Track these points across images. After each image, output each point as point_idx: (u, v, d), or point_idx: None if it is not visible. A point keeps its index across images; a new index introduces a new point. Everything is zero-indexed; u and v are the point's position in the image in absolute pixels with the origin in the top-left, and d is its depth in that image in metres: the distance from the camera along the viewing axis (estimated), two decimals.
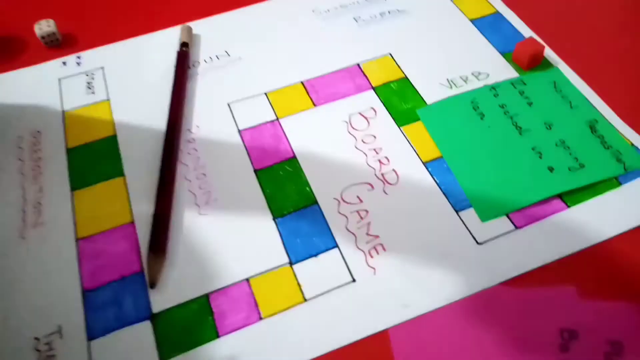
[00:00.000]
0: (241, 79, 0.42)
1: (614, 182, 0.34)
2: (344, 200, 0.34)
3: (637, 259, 0.31)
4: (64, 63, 0.44)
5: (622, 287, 0.30)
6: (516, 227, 0.32)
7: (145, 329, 0.30)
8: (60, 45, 0.45)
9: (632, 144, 0.36)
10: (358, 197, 0.35)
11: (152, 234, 0.32)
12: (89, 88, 0.42)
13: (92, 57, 0.44)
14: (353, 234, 0.33)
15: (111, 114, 0.40)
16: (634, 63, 0.41)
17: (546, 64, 0.41)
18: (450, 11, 0.46)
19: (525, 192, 0.34)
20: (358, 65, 0.42)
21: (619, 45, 0.42)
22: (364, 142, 0.37)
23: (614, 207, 0.33)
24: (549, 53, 0.41)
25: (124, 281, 0.31)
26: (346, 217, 0.34)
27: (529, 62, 0.40)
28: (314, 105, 0.40)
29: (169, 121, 0.38)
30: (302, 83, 0.41)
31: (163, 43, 0.45)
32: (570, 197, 0.34)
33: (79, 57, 0.44)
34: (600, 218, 0.33)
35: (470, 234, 0.32)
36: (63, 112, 0.40)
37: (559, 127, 0.37)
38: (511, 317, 0.29)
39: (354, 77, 0.41)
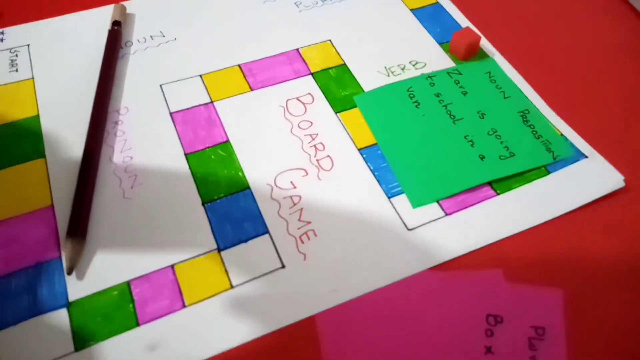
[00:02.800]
0: (175, 60, 0.40)
1: (543, 170, 0.35)
2: (277, 186, 0.34)
3: (562, 246, 0.32)
4: None
5: (546, 273, 0.31)
6: (446, 214, 0.33)
7: (60, 317, 0.28)
8: None
9: (562, 134, 0.37)
10: (292, 182, 0.34)
11: (71, 217, 0.31)
12: (12, 65, 0.40)
13: (17, 33, 0.42)
14: (285, 219, 0.32)
15: (35, 94, 0.38)
16: (566, 55, 0.42)
17: (482, 55, 0.41)
18: (391, 0, 0.46)
19: (456, 179, 0.34)
20: (297, 50, 0.41)
21: (553, 38, 0.43)
22: (300, 127, 0.37)
23: (542, 195, 0.34)
24: (485, 44, 0.42)
25: (39, 268, 0.30)
26: (279, 202, 0.33)
27: (465, 52, 0.40)
28: (251, 89, 0.39)
29: (95, 101, 0.36)
30: (239, 66, 0.40)
31: (94, 22, 0.43)
32: (500, 185, 0.34)
33: (2, 33, 0.42)
34: (529, 205, 0.33)
35: (401, 219, 0.32)
36: None
37: (492, 117, 0.37)
38: (439, 302, 0.29)
39: (293, 61, 0.41)
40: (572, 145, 0.36)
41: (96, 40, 0.41)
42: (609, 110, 0.38)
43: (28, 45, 0.41)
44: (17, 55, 0.40)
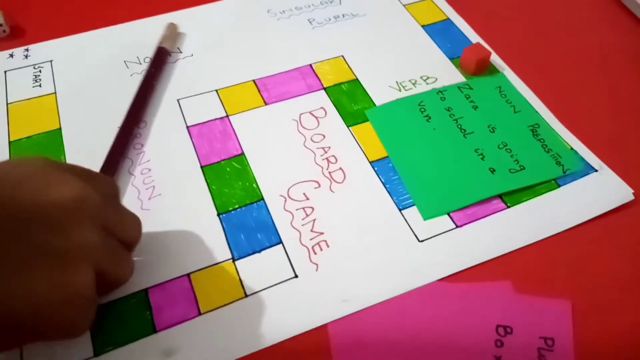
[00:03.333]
0: (192, 76, 0.42)
1: (553, 183, 0.35)
2: (290, 198, 0.35)
3: (571, 258, 0.32)
4: (11, 55, 0.43)
5: (555, 285, 0.31)
6: (457, 226, 0.33)
7: None
8: (7, 37, 0.44)
9: (572, 148, 0.37)
10: (304, 194, 0.35)
11: None
12: (36, 81, 0.41)
13: (41, 50, 0.44)
14: (298, 230, 0.33)
15: (57, 108, 0.39)
16: (576, 70, 0.42)
17: (493, 70, 0.42)
18: (402, 17, 0.47)
19: (466, 192, 0.34)
20: (310, 65, 0.42)
21: (563, 53, 0.44)
22: (312, 140, 0.38)
23: (552, 208, 0.34)
24: (495, 59, 0.43)
25: None
26: (292, 214, 0.34)
27: (476, 67, 0.41)
28: (265, 103, 0.40)
29: (129, 114, 0.38)
30: (253, 81, 0.41)
31: (114, 39, 0.44)
32: (510, 198, 0.35)
33: (26, 50, 0.44)
34: (539, 218, 0.34)
35: (412, 231, 0.33)
36: (7, 104, 0.39)
37: (502, 131, 0.38)
38: (449, 313, 0.30)
39: (306, 77, 0.42)
40: (581, 158, 0.36)
41: (115, 56, 0.43)
42: (618, 124, 0.39)
43: (51, 61, 0.43)
44: (40, 71, 0.42)
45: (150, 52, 0.43)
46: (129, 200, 0.34)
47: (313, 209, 0.34)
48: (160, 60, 0.42)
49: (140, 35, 0.44)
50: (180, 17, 0.46)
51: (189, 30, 0.45)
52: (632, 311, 0.30)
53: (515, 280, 0.31)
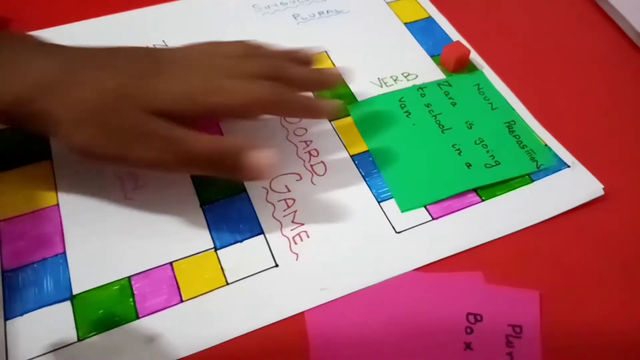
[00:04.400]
0: None
1: (527, 178, 0.37)
2: (272, 189, 0.35)
3: (541, 250, 0.33)
4: None
5: (525, 276, 0.32)
6: (433, 218, 0.34)
7: (64, 309, 0.30)
8: None
9: (546, 144, 0.38)
10: (286, 186, 0.36)
11: None
12: None
13: None
14: (279, 221, 0.34)
15: None
16: (552, 69, 0.44)
17: (472, 68, 0.43)
18: (386, 15, 0.48)
19: (443, 185, 0.36)
20: None
21: (539, 53, 0.45)
22: (295, 134, 0.39)
23: (525, 202, 0.35)
24: (475, 57, 0.44)
25: (45, 262, 0.31)
26: (273, 205, 0.35)
27: (455, 65, 0.42)
28: None
29: None
30: None
31: (103, 30, 0.45)
32: (485, 192, 0.36)
33: None
34: (512, 212, 0.35)
35: (390, 223, 0.34)
36: None
37: (479, 127, 0.39)
38: (422, 301, 0.31)
39: None
40: (555, 155, 0.38)
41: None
42: (591, 121, 0.40)
43: None
44: None
45: (144, 43, 0.43)
46: (113, 191, 0.35)
47: (294, 200, 0.35)
48: None
49: (126, 28, 0.45)
50: (166, 10, 0.47)
51: (176, 23, 0.46)
52: (597, 301, 0.31)
53: (487, 271, 0.32)
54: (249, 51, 0.35)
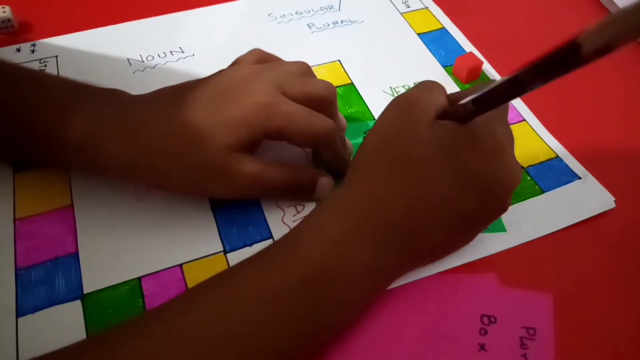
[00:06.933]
0: (193, 74, 0.43)
1: (538, 189, 0.36)
2: None
3: (554, 257, 0.33)
4: (18, 50, 0.45)
5: (538, 281, 0.32)
6: None
7: (75, 308, 0.30)
8: (15, 32, 0.46)
9: (557, 155, 0.38)
10: None
11: None
12: None
13: (47, 45, 0.45)
14: (288, 226, 0.34)
15: None
16: (564, 80, 0.43)
17: (484, 78, 0.43)
18: (399, 25, 0.48)
19: None
20: None
21: None
22: None
23: (536, 212, 0.35)
24: (487, 68, 0.44)
25: (57, 261, 0.32)
26: (283, 210, 0.35)
27: (468, 75, 0.42)
28: None
29: None
30: None
31: (119, 36, 0.46)
32: None
33: (33, 45, 0.45)
34: (523, 222, 0.35)
35: None
36: None
37: None
38: (437, 303, 0.31)
39: None
40: (566, 166, 0.38)
41: (119, 53, 0.44)
42: (603, 133, 0.40)
43: (56, 56, 0.44)
44: (45, 66, 0.43)
45: (152, 51, 0.44)
46: (125, 192, 0.35)
47: (304, 206, 0.35)
48: None
49: (144, 34, 0.46)
50: (183, 18, 0.47)
51: (192, 30, 0.47)
52: (608, 305, 0.32)
53: (501, 274, 0.32)
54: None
